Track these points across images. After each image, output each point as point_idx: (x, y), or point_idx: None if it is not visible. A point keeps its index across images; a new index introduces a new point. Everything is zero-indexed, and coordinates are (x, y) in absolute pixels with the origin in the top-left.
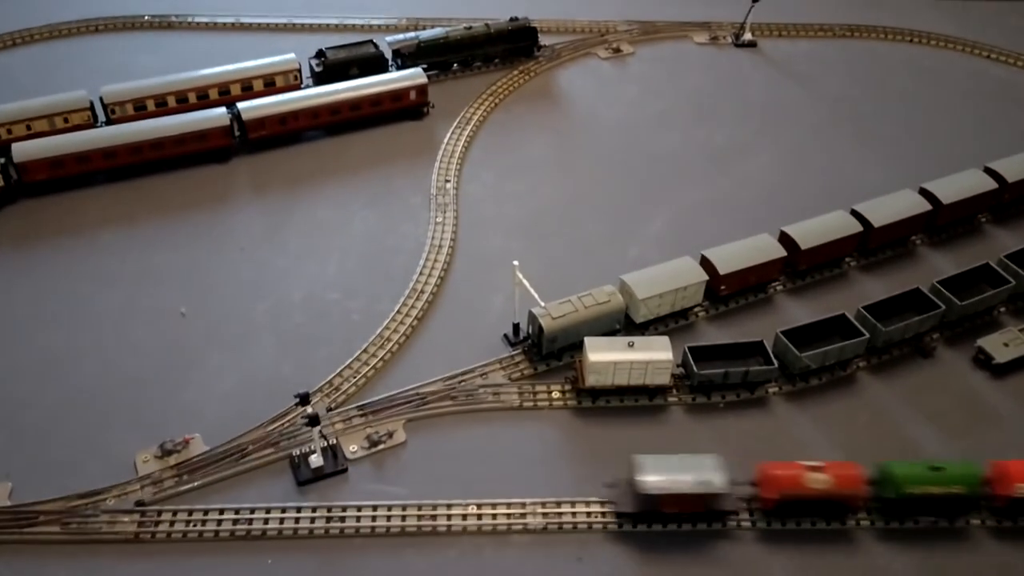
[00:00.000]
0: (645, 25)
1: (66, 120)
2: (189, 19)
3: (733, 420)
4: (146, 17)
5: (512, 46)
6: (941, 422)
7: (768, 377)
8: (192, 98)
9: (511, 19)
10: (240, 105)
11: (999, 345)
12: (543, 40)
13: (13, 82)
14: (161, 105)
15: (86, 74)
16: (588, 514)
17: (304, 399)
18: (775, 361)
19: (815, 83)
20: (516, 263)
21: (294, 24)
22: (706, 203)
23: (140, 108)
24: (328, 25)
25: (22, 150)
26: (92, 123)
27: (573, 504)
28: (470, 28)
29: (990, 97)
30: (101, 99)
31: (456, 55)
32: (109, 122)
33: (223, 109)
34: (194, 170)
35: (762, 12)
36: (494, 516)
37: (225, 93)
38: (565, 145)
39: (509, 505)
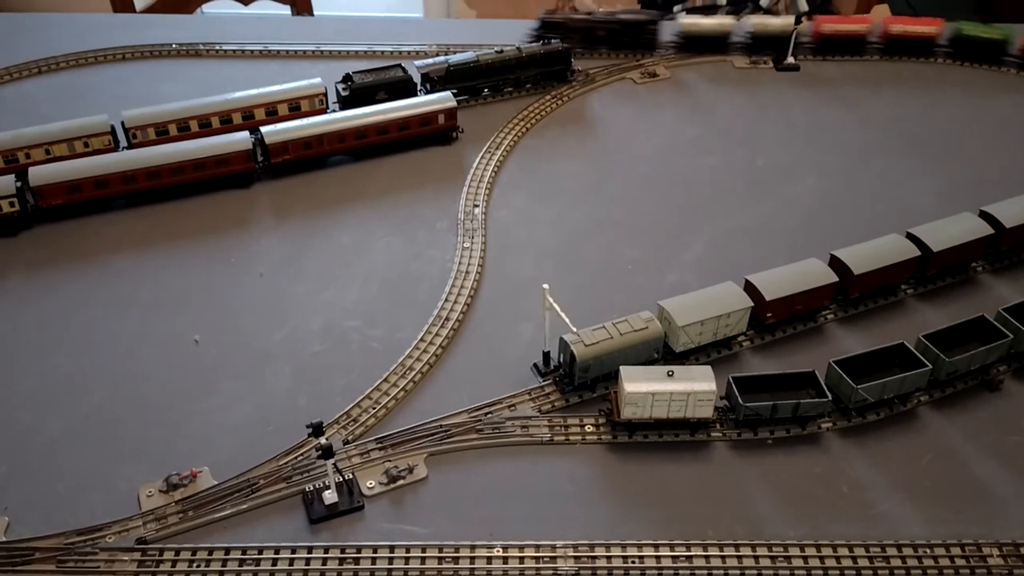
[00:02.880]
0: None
1: (86, 144)
2: (216, 47)
3: (783, 457)
4: (173, 45)
5: (544, 70)
6: (1012, 462)
7: (821, 411)
8: (215, 122)
9: (543, 42)
10: (263, 129)
11: None
12: (577, 65)
13: (36, 110)
14: (184, 129)
15: (110, 102)
16: (624, 559)
17: (317, 429)
18: (828, 394)
19: (863, 106)
20: (546, 286)
21: (323, 51)
22: (748, 228)
23: (162, 133)
24: (357, 52)
25: (39, 174)
26: (113, 148)
27: (608, 547)
28: (501, 51)
29: None
30: (122, 123)
31: (486, 80)
32: (131, 147)
33: (245, 133)
34: (215, 195)
35: (806, 34)
36: (521, 560)
37: (249, 118)
38: (600, 170)
39: (538, 548)
